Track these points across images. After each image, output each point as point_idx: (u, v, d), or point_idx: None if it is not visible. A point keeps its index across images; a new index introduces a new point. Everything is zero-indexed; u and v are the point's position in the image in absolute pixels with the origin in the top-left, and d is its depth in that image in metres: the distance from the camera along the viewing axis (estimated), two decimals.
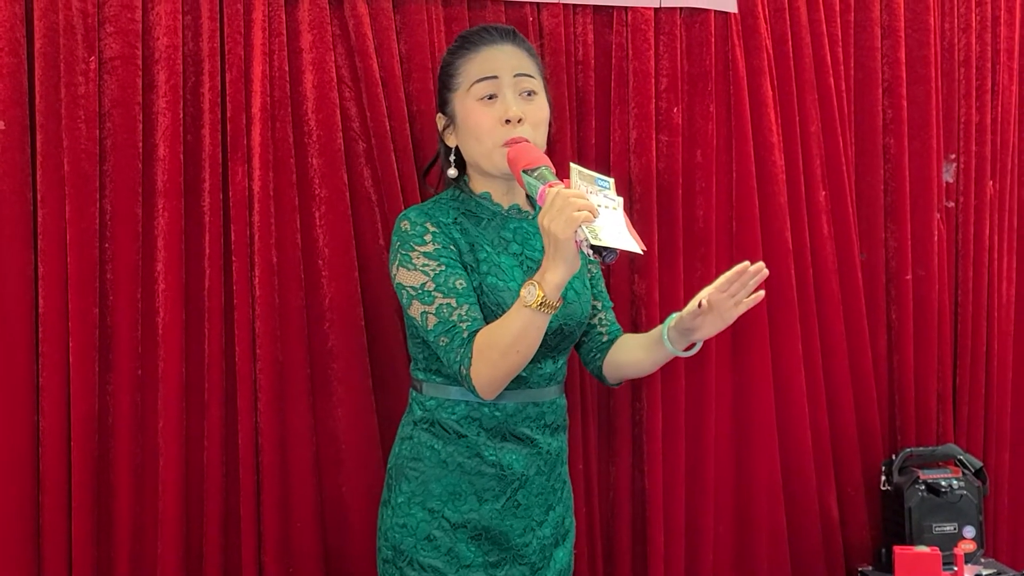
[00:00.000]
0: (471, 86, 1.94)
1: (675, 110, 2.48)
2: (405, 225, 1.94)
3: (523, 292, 1.75)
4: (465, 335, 1.84)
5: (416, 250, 1.90)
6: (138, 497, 2.15)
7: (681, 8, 2.49)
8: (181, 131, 2.14)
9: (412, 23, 2.29)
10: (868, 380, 2.69)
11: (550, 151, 2.37)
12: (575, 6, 2.42)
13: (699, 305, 1.88)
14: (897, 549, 2.42)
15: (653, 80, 2.46)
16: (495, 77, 1.93)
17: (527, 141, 1.90)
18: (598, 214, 1.69)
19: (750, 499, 2.61)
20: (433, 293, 1.87)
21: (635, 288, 2.47)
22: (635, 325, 2.46)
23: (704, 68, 2.51)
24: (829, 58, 2.63)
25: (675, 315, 1.97)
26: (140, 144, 2.12)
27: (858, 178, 2.71)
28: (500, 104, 1.93)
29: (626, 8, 2.44)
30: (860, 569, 2.63)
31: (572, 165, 1.78)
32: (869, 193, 2.71)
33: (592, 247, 1.66)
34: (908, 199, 2.71)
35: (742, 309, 1.90)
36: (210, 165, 2.16)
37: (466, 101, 1.95)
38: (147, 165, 2.14)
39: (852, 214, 2.67)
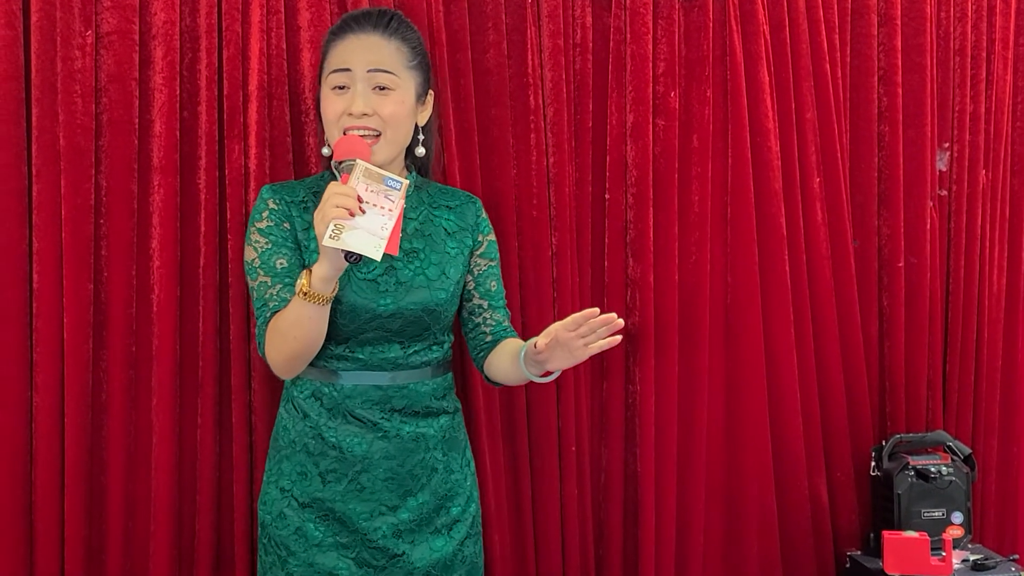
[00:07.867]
0: (327, 75, 1.97)
1: (672, 95, 2.48)
2: (256, 200, 1.99)
3: (298, 280, 1.79)
4: (268, 315, 1.90)
5: (254, 226, 1.96)
6: (131, 474, 2.15)
7: None
8: (177, 107, 2.13)
9: (411, 3, 2.28)
10: (859, 366, 2.70)
11: (547, 132, 2.38)
12: None
13: (535, 346, 1.82)
14: (886, 534, 2.44)
15: (651, 64, 2.46)
16: (348, 70, 1.94)
17: (361, 136, 1.89)
18: (357, 213, 1.69)
19: (741, 484, 2.62)
20: (257, 270, 1.93)
21: (630, 272, 2.48)
22: (628, 308, 2.47)
23: (702, 53, 2.51)
24: (826, 45, 2.62)
25: (533, 339, 1.88)
26: (136, 120, 2.11)
27: (852, 165, 2.71)
28: (348, 96, 1.93)
29: None
30: (849, 553, 2.64)
31: (358, 162, 1.77)
32: (863, 180, 2.72)
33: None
34: (902, 187, 2.72)
35: (594, 351, 1.81)
36: (206, 142, 2.15)
37: (324, 88, 1.98)
38: (143, 141, 2.13)
39: (846, 201, 2.68)
